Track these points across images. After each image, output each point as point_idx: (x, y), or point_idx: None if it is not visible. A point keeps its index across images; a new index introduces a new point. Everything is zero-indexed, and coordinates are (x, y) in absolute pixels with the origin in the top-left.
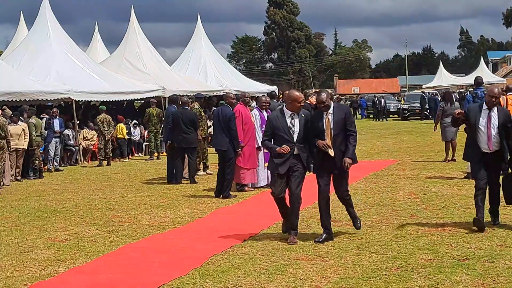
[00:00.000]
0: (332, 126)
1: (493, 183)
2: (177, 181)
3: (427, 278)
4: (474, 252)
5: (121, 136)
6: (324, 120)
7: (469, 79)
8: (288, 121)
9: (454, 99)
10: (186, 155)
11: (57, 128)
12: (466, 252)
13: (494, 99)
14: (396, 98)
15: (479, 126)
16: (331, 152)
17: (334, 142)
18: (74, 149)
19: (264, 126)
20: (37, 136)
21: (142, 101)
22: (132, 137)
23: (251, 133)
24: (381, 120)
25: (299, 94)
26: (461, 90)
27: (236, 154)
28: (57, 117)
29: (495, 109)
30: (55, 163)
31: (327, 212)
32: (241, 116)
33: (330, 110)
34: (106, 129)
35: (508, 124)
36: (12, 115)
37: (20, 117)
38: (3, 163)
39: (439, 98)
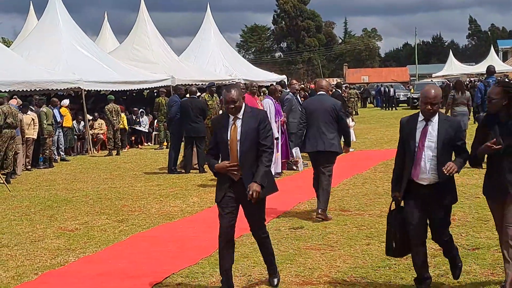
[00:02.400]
0: (239, 138)
1: (438, 235)
2: (187, 171)
3: (436, 268)
4: (484, 242)
5: (121, 126)
6: (229, 129)
7: (479, 68)
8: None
9: (464, 88)
10: (195, 145)
11: (59, 118)
12: (476, 241)
13: (430, 106)
14: (406, 87)
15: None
16: (235, 176)
17: (243, 160)
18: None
19: (277, 116)
20: (48, 125)
21: (147, 90)
22: (139, 127)
23: None
24: (390, 109)
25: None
26: (472, 79)
27: None
28: (58, 107)
29: (435, 119)
30: (61, 153)
31: (229, 256)
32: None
33: (240, 115)
34: (114, 118)
35: (458, 142)
36: (22, 105)
37: (30, 107)
38: (13, 152)
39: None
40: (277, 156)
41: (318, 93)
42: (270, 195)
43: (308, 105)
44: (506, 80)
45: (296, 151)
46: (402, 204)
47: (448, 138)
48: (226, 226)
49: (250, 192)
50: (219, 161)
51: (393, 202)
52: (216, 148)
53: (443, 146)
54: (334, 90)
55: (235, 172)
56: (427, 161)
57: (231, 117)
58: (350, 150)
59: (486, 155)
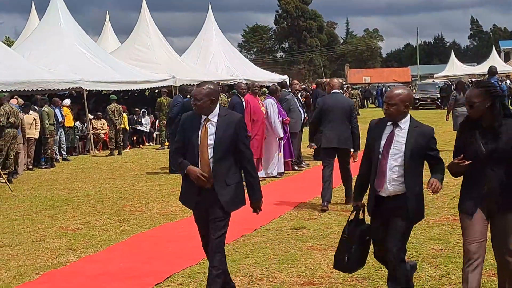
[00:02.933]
0: (212, 143)
1: (390, 254)
2: None
3: (438, 268)
4: None
5: (122, 126)
6: (200, 131)
7: (481, 69)
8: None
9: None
10: None
11: (60, 118)
12: None
13: (386, 106)
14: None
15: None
16: (206, 185)
17: (215, 168)
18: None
19: (280, 115)
20: (49, 125)
21: (149, 91)
22: (141, 127)
23: (260, 124)
24: None
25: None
26: (473, 80)
27: None
28: (60, 107)
29: (404, 125)
30: (63, 153)
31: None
32: (249, 106)
33: (213, 116)
34: (117, 118)
35: (430, 151)
36: (23, 105)
37: (34, 106)
38: (15, 152)
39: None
40: (280, 156)
41: (332, 91)
42: (235, 210)
43: (324, 103)
44: (485, 80)
45: (311, 146)
46: (361, 216)
47: (418, 148)
48: (203, 235)
49: (258, 211)
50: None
51: (353, 213)
52: (184, 147)
53: (412, 156)
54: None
55: (204, 184)
56: (389, 171)
57: (203, 118)
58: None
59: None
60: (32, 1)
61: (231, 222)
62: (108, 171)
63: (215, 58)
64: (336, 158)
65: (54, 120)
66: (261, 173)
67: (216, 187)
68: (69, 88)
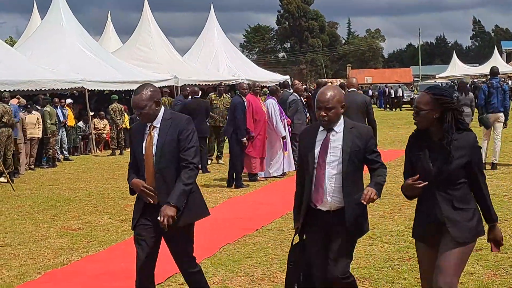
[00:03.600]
0: (154, 152)
1: (332, 267)
2: None
3: None
4: (487, 243)
5: (124, 126)
6: (145, 140)
7: (483, 69)
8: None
9: (468, 89)
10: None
11: (62, 118)
12: (479, 242)
13: (324, 112)
14: (410, 88)
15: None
16: (152, 199)
17: (159, 180)
18: (88, 138)
19: (282, 115)
20: (51, 124)
21: None
22: None
23: (263, 123)
24: (393, 109)
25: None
26: (475, 80)
27: (241, 144)
28: (63, 107)
29: (339, 129)
30: (65, 152)
31: None
32: (251, 106)
33: (157, 122)
34: (118, 118)
35: (369, 154)
36: (26, 105)
37: (36, 106)
38: (12, 152)
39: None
40: (286, 154)
41: (349, 90)
42: (198, 220)
43: None
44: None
45: None
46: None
47: (356, 151)
48: (142, 259)
49: (161, 218)
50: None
51: (296, 235)
52: (136, 161)
53: (350, 162)
54: None
55: (149, 197)
56: (329, 181)
57: (148, 125)
58: None
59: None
60: (34, 1)
61: (232, 222)
62: (109, 171)
63: (217, 58)
64: None
65: (56, 120)
66: (261, 174)
67: (161, 200)
68: (71, 88)
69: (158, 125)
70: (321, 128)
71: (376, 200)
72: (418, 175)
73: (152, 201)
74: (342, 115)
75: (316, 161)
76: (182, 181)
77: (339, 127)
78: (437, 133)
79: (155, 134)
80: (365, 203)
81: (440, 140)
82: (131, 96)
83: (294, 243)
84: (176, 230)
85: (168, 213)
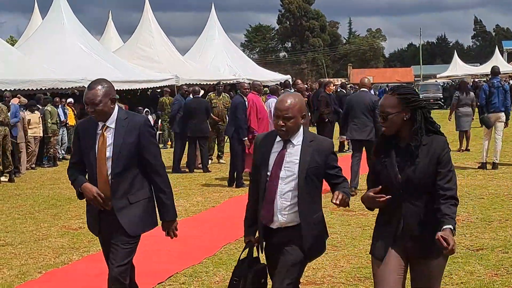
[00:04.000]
0: (110, 154)
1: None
2: (191, 170)
3: None
4: (488, 243)
5: None
6: (97, 141)
7: (484, 69)
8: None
9: (469, 88)
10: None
11: (62, 117)
12: (480, 242)
13: (283, 121)
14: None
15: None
16: (104, 206)
17: (114, 186)
18: None
19: None
20: (52, 124)
21: (151, 90)
22: None
23: (266, 122)
24: None
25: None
26: (476, 80)
27: (242, 143)
28: (64, 106)
29: (297, 141)
30: (62, 151)
31: None
32: (255, 105)
33: (111, 122)
34: None
35: (330, 170)
36: (28, 104)
37: (38, 105)
38: (10, 151)
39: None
40: None
41: (360, 89)
42: (146, 231)
43: (351, 100)
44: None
45: (340, 138)
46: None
47: (315, 168)
48: (110, 264)
49: (172, 234)
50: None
51: (245, 250)
52: (81, 162)
53: (307, 179)
54: (339, 90)
55: (101, 205)
56: (280, 198)
57: (100, 125)
58: None
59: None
60: (35, 1)
61: (233, 221)
62: None
63: (218, 57)
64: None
65: (57, 119)
66: None
67: (115, 207)
68: (72, 87)
69: (113, 126)
70: (278, 138)
71: (346, 207)
72: (381, 187)
73: (105, 208)
74: (302, 126)
75: (269, 174)
76: (165, 192)
77: (298, 139)
78: (404, 137)
79: (108, 135)
80: (338, 202)
81: (408, 145)
82: (132, 96)
83: (241, 257)
84: (122, 240)
85: (173, 227)
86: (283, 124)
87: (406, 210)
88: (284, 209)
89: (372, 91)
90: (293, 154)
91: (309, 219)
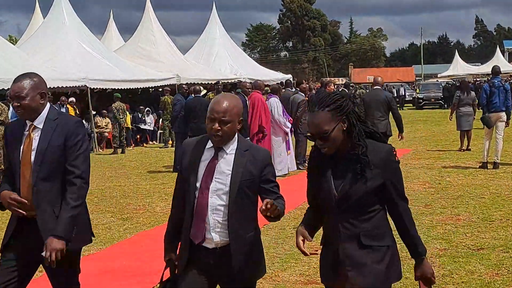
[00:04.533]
0: (33, 159)
1: None
2: None
3: (441, 268)
4: (489, 242)
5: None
6: (23, 143)
7: (485, 69)
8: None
9: (470, 88)
10: None
11: None
12: (481, 242)
13: (218, 125)
14: (412, 87)
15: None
16: (19, 213)
17: (38, 193)
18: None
19: (284, 114)
20: None
21: (152, 89)
22: (145, 125)
23: (269, 121)
24: None
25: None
26: (477, 79)
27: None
28: (65, 106)
29: (230, 149)
30: None
31: None
32: (263, 104)
33: (39, 122)
34: (121, 117)
35: (264, 184)
36: None
37: None
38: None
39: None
40: (289, 154)
41: (374, 87)
42: (78, 248)
43: (366, 98)
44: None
45: None
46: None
47: (249, 181)
48: None
49: (47, 253)
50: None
51: (167, 269)
52: (11, 167)
53: (240, 192)
54: (342, 90)
55: (19, 210)
56: (212, 214)
57: (28, 125)
58: None
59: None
60: (36, 0)
61: None
62: (111, 170)
63: (219, 57)
64: None
65: None
66: None
67: (38, 217)
68: (73, 86)
69: (41, 126)
70: (209, 144)
71: (276, 220)
72: (310, 238)
73: (25, 214)
74: (237, 133)
75: (198, 186)
76: (68, 204)
77: (231, 147)
78: (342, 149)
79: (35, 136)
80: (268, 206)
81: (346, 156)
82: (133, 95)
83: (164, 279)
84: (58, 263)
85: (55, 246)
86: (218, 128)
87: (342, 233)
88: (216, 226)
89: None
90: (225, 164)
91: (240, 239)
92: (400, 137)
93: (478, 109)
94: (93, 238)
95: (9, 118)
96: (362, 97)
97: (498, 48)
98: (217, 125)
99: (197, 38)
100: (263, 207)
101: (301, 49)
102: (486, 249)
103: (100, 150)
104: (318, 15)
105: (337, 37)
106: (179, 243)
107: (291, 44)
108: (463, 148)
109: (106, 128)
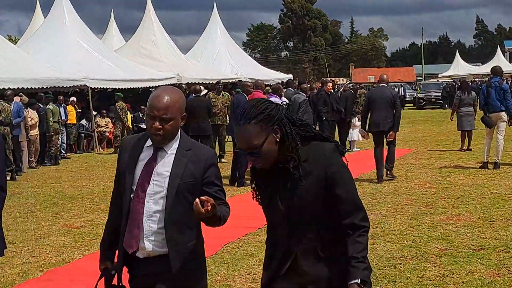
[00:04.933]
0: None
1: None
2: None
3: (441, 268)
4: (489, 242)
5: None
6: None
7: (486, 69)
8: None
9: (470, 88)
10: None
11: (63, 116)
12: (481, 242)
13: (159, 123)
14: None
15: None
16: None
17: None
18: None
19: None
20: (54, 122)
21: (153, 89)
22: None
23: None
24: None
25: None
26: (476, 80)
27: None
28: (63, 105)
29: (171, 149)
30: (62, 151)
31: None
32: None
33: None
34: (123, 116)
35: (207, 186)
36: (29, 103)
37: (39, 104)
38: (10, 150)
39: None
40: None
41: (380, 85)
42: None
43: (372, 95)
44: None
45: (360, 131)
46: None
47: (190, 183)
48: None
49: None
50: None
51: (101, 279)
52: None
53: (178, 196)
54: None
55: None
56: (148, 220)
57: None
58: (356, 149)
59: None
60: None
61: (235, 220)
62: (112, 169)
63: (220, 56)
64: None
65: (59, 118)
66: None
67: None
68: (74, 85)
69: None
70: (148, 142)
71: (213, 225)
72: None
73: None
74: (180, 130)
75: (134, 188)
76: None
77: (172, 146)
78: (283, 159)
79: None
80: (204, 199)
81: (286, 166)
82: (133, 95)
83: None
84: None
85: None
86: (159, 127)
87: (293, 249)
88: (152, 233)
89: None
90: (165, 165)
91: (180, 248)
92: (390, 135)
93: (480, 109)
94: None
95: (13, 117)
96: (368, 95)
97: (498, 48)
98: (157, 123)
99: (198, 37)
100: (199, 199)
101: (302, 49)
102: (487, 249)
103: (101, 149)
104: (319, 15)
105: (338, 37)
106: (117, 250)
107: (292, 44)
108: (464, 148)
109: (107, 128)
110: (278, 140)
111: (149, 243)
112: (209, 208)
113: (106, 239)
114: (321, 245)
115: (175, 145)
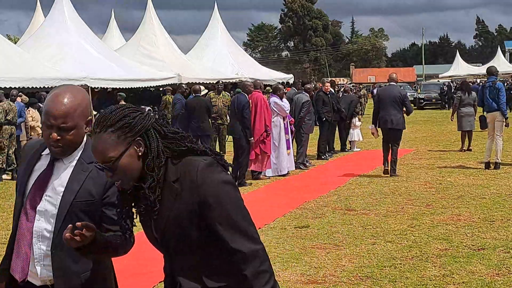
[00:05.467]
0: None
1: None
2: None
3: (442, 268)
4: (490, 242)
5: None
6: None
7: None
8: None
9: (471, 88)
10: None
11: None
12: (481, 242)
13: (57, 132)
14: (413, 87)
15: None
16: None
17: None
18: None
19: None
20: None
21: (153, 88)
22: None
23: (270, 120)
24: None
25: None
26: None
27: (249, 143)
28: None
29: (69, 162)
30: None
31: None
32: (265, 103)
33: None
34: None
35: (105, 208)
36: (29, 102)
37: (39, 103)
38: (14, 149)
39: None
40: (289, 153)
41: (389, 83)
42: None
43: (381, 93)
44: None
45: (371, 127)
46: None
47: (86, 202)
48: None
49: None
50: None
51: None
52: None
53: (71, 215)
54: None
55: None
56: (39, 241)
57: None
58: (356, 149)
59: None
60: None
61: None
62: None
63: (220, 56)
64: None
65: None
66: (268, 172)
67: None
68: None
69: None
70: (46, 151)
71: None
72: None
73: None
74: (86, 138)
75: (24, 203)
76: None
77: (73, 157)
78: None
79: None
80: (79, 225)
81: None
82: (134, 94)
83: None
84: None
85: None
86: (58, 138)
87: (176, 277)
88: (43, 257)
89: (375, 91)
90: (61, 178)
91: (69, 279)
92: None
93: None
94: None
95: (20, 117)
96: (377, 93)
97: (499, 49)
98: (55, 134)
99: (199, 37)
100: (75, 225)
101: (302, 49)
102: (487, 249)
103: None
104: (320, 15)
105: (339, 37)
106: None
107: (292, 44)
108: (464, 148)
109: None
110: (140, 154)
111: (42, 269)
112: (84, 234)
113: (5, 258)
114: (208, 275)
115: (76, 156)
